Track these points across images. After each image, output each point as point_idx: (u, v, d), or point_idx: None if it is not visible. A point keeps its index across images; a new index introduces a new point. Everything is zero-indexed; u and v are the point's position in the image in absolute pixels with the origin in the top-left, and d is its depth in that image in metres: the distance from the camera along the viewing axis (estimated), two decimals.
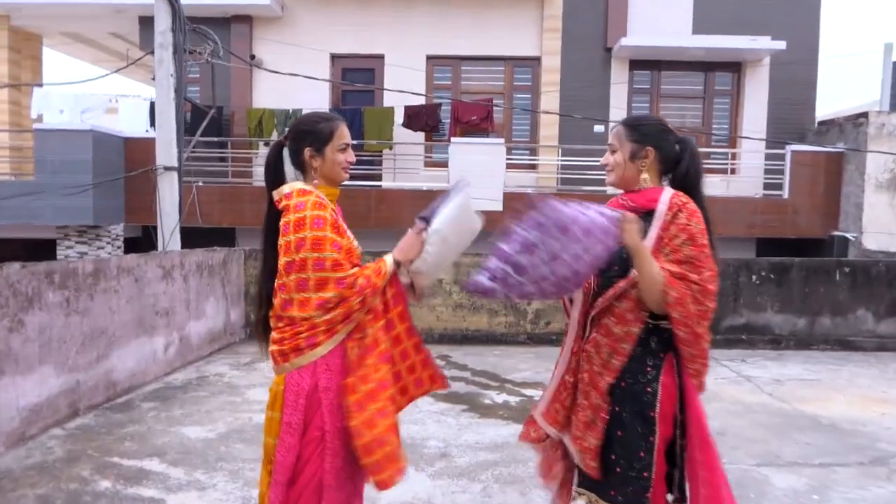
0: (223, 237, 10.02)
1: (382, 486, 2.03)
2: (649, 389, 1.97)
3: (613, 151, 2.11)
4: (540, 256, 1.86)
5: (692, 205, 2.00)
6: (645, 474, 1.95)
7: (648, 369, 1.98)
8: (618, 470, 1.98)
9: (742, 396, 5.33)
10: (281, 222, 2.03)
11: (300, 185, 2.09)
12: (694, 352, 1.97)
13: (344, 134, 2.13)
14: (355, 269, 2.02)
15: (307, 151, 2.09)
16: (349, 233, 2.13)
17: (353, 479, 2.10)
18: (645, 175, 2.07)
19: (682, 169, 2.07)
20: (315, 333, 1.99)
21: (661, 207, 1.99)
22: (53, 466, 3.56)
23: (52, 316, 4.15)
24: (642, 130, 2.09)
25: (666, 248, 1.96)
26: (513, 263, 1.88)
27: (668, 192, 2.02)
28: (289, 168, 2.14)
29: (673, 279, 1.92)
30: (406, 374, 2.17)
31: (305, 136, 2.10)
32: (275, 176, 2.12)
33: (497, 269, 1.89)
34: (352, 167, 2.17)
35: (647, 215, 2.01)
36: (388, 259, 2.08)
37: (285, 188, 2.08)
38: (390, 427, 2.04)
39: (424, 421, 4.42)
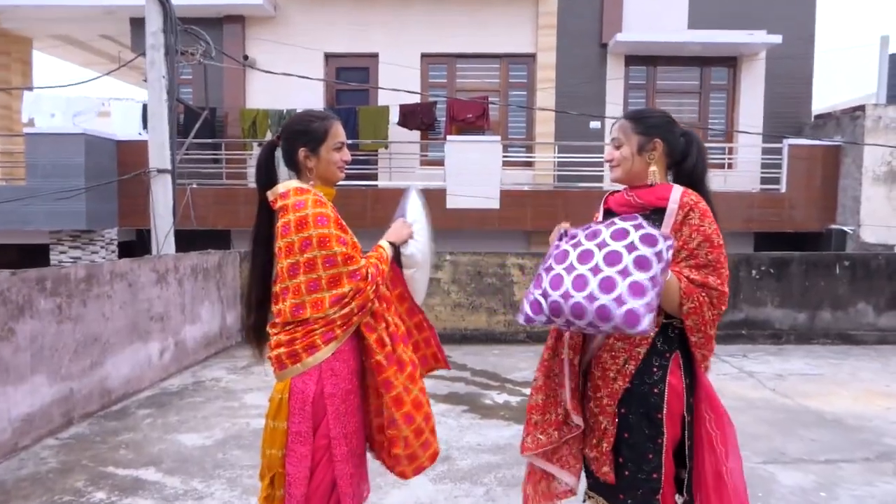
0: (218, 239, 9.95)
1: (429, 462, 2.13)
2: (656, 391, 1.94)
3: (618, 146, 2.05)
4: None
5: (703, 204, 1.96)
6: (654, 476, 1.93)
7: (654, 370, 1.95)
8: (626, 473, 1.96)
9: (744, 392, 5.29)
10: (279, 223, 1.96)
11: (296, 183, 2.03)
12: (705, 352, 1.99)
13: (339, 132, 2.08)
14: (363, 261, 2.01)
15: (302, 151, 2.03)
16: (349, 231, 2.09)
17: (360, 483, 2.10)
18: (653, 168, 2.02)
19: (689, 163, 2.04)
20: (331, 328, 1.94)
21: (672, 206, 1.94)
22: (47, 477, 3.48)
23: (44, 323, 4.08)
24: (648, 122, 2.04)
25: (682, 252, 1.92)
26: (584, 326, 1.81)
27: (678, 190, 1.97)
28: (282, 169, 2.09)
29: (691, 287, 1.88)
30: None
31: (299, 135, 2.04)
32: (267, 177, 2.06)
33: (558, 322, 1.85)
34: (347, 166, 2.12)
35: (654, 213, 1.96)
36: (384, 243, 2.13)
37: (280, 188, 2.01)
38: (428, 402, 2.15)
39: None
